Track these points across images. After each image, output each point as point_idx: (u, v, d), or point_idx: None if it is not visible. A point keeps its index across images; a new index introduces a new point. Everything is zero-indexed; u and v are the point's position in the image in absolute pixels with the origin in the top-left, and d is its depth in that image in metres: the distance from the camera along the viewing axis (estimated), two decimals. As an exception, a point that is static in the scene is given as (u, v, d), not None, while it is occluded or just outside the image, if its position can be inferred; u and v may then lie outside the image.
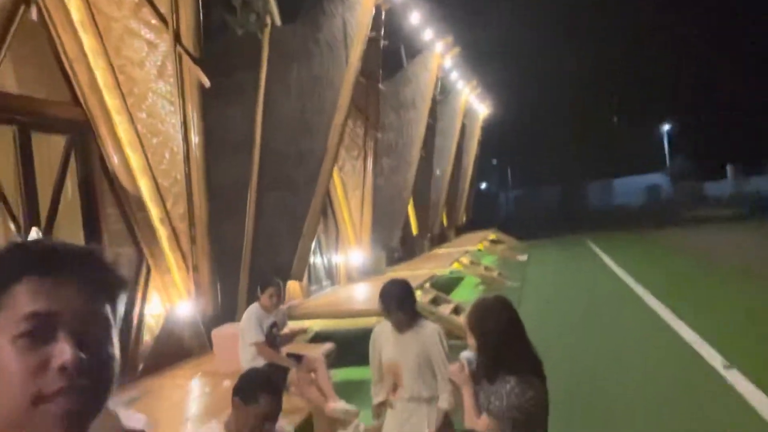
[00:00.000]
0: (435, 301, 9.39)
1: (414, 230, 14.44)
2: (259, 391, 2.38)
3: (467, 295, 11.21)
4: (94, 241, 5.18)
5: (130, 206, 5.41)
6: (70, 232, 4.97)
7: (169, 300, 5.75)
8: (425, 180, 14.34)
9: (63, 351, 0.64)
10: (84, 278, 0.68)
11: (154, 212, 5.49)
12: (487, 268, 13.60)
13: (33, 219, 4.51)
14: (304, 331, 5.12)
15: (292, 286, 8.23)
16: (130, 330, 5.38)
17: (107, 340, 0.69)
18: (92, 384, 0.65)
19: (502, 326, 2.55)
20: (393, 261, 12.08)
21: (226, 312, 6.17)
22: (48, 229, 4.63)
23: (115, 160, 5.25)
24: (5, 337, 0.64)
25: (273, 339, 4.74)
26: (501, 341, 2.52)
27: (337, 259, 10.03)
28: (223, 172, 6.66)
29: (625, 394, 5.41)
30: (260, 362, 4.61)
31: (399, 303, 3.13)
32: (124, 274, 0.74)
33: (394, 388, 3.12)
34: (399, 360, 3.09)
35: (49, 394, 0.63)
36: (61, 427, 0.63)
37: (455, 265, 12.29)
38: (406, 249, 13.13)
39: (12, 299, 0.66)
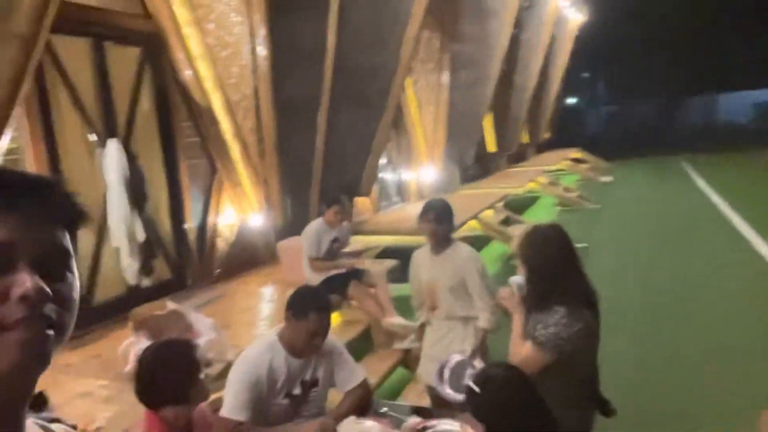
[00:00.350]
0: (506, 222, 9.23)
1: (490, 147, 14.00)
2: (309, 308, 2.45)
3: (542, 215, 10.91)
4: (169, 153, 5.40)
5: (202, 120, 5.53)
6: (147, 144, 5.18)
7: (241, 211, 5.98)
8: (505, 95, 13.67)
9: (23, 280, 0.62)
10: (41, 207, 0.66)
11: (226, 126, 5.59)
12: (566, 189, 13.10)
13: (111, 130, 4.73)
14: (368, 249, 5.18)
15: (362, 201, 8.31)
16: (204, 238, 5.68)
17: (68, 270, 0.68)
18: (54, 313, 0.64)
19: (553, 256, 2.44)
20: (467, 179, 11.87)
21: (297, 224, 6.33)
22: (126, 141, 4.85)
23: (186, 73, 5.32)
24: None
25: (334, 254, 4.86)
26: (550, 271, 2.42)
27: (409, 175, 9.96)
28: (293, 86, 6.62)
29: (704, 321, 5.22)
30: (321, 276, 4.76)
31: (437, 218, 3.16)
32: (83, 205, 0.71)
33: (433, 307, 3.23)
34: (435, 280, 3.18)
35: (9, 324, 0.62)
36: (23, 356, 0.63)
37: (531, 185, 11.92)
38: (482, 166, 12.82)
39: None
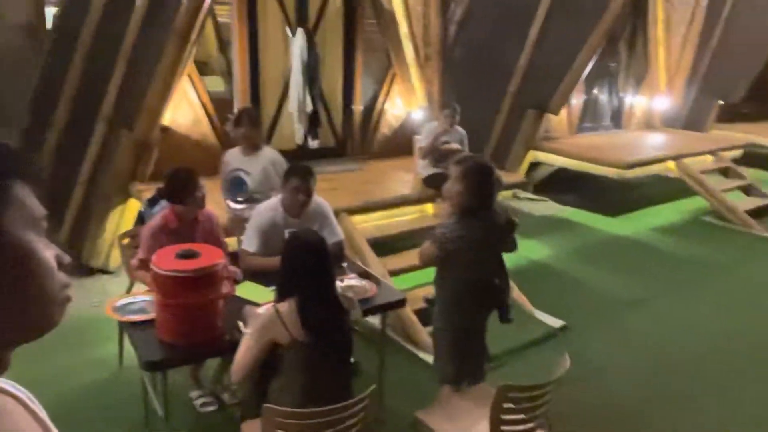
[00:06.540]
0: (723, 173, 8.10)
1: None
2: (290, 173, 3.53)
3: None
4: (349, 45, 6.51)
5: (384, 20, 6.45)
6: (330, 36, 6.39)
7: (408, 105, 6.91)
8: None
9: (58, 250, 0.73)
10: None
11: (402, 28, 6.41)
12: None
13: (302, 22, 6.04)
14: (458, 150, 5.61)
15: (555, 119, 8.26)
16: (371, 119, 6.85)
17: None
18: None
19: (469, 185, 2.97)
20: (729, 117, 10.21)
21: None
22: (313, 31, 6.12)
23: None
24: (31, 233, 0.68)
25: (441, 151, 5.54)
26: (464, 194, 2.98)
27: (635, 100, 9.19)
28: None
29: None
30: (428, 169, 5.57)
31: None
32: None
33: None
34: None
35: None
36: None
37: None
38: (755, 107, 10.71)
39: (19, 197, 0.67)
